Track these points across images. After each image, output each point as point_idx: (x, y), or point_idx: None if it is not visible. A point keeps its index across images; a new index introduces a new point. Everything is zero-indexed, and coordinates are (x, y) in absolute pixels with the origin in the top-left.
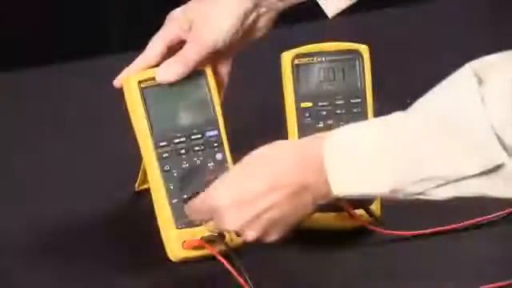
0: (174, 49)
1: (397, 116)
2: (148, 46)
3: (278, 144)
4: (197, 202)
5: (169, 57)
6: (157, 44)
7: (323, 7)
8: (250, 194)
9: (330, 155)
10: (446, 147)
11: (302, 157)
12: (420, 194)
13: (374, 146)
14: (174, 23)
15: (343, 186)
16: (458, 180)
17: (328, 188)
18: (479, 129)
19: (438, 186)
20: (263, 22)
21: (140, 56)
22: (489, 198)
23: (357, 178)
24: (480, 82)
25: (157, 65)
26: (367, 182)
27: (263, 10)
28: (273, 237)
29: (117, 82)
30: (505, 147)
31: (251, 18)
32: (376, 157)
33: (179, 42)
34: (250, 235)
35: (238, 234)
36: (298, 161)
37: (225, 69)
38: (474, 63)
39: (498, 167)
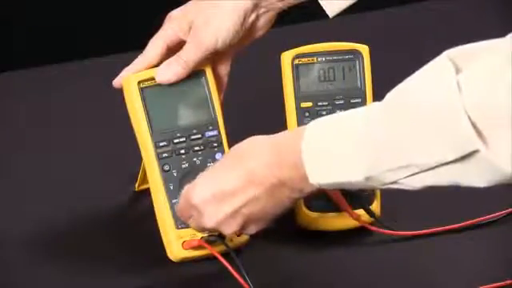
0: (173, 49)
1: (372, 106)
2: (148, 46)
3: (255, 139)
4: (180, 201)
5: (168, 57)
6: (156, 44)
7: (324, 7)
8: (227, 190)
9: (306, 149)
10: (421, 135)
11: (278, 152)
12: (394, 182)
13: (349, 136)
14: (174, 23)
15: (320, 176)
16: (432, 168)
17: (305, 183)
18: (454, 115)
19: (412, 175)
20: (262, 22)
21: (140, 56)
22: (461, 187)
23: (333, 167)
24: (457, 69)
25: (156, 65)
26: (342, 171)
27: (263, 10)
28: (251, 230)
29: (116, 82)
30: (479, 134)
31: (251, 18)
32: (351, 146)
33: (179, 42)
34: (229, 230)
35: (217, 230)
36: (274, 156)
37: (224, 69)
38: (452, 51)
39: (471, 154)
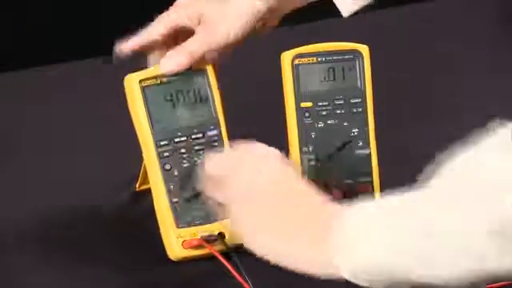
0: (173, 35)
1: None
2: (153, 23)
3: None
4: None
5: (171, 42)
6: (163, 23)
7: (338, 6)
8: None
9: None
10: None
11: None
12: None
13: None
14: (182, 11)
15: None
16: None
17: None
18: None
19: None
20: (271, 23)
21: (144, 30)
22: None
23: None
24: None
25: (156, 45)
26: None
27: (276, 12)
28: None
29: (124, 48)
30: None
31: (264, 16)
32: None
33: (181, 30)
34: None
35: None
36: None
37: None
38: None
39: None
